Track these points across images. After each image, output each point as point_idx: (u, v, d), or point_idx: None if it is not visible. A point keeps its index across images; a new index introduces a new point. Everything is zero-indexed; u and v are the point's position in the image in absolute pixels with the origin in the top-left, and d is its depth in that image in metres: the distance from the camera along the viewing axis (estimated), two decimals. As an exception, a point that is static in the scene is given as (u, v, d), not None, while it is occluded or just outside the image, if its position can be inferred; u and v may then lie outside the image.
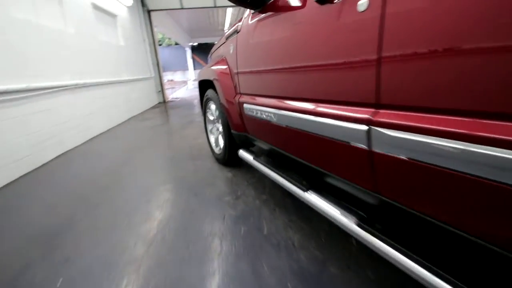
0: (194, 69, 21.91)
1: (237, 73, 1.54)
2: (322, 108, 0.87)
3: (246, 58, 1.42)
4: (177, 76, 22.20)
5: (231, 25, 1.74)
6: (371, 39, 0.66)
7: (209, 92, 2.09)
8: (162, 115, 5.34)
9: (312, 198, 0.99)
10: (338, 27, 0.77)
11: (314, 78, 0.90)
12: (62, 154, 2.90)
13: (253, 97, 1.39)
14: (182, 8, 6.70)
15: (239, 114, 1.61)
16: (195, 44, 21.30)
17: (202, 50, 21.85)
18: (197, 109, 5.75)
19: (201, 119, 4.37)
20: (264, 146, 1.47)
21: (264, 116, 1.25)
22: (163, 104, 7.08)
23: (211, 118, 2.24)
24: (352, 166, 0.81)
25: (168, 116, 5.12)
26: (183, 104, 6.72)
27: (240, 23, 1.49)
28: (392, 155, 0.65)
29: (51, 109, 2.82)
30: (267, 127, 1.28)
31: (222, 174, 2.00)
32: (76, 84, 3.27)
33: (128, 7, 5.57)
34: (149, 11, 6.67)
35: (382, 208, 0.79)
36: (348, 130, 0.75)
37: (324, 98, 0.87)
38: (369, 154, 0.71)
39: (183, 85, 15.11)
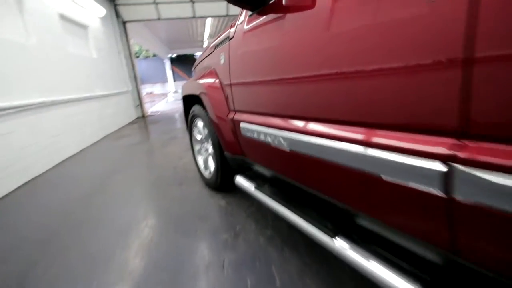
0: (174, 81, 21.43)
1: (231, 86, 1.31)
2: (367, 136, 0.63)
3: (244, 68, 1.18)
4: (157, 89, 21.58)
5: (214, 36, 1.50)
6: (451, 34, 0.45)
7: (196, 109, 1.84)
8: (142, 131, 4.97)
9: (347, 251, 0.74)
10: (386, 21, 0.56)
11: (353, 91, 0.66)
12: (28, 182, 2.50)
13: (254, 115, 1.15)
14: (159, 19, 6.42)
15: (234, 135, 1.37)
16: (174, 55, 20.90)
17: (181, 62, 21.48)
18: (179, 123, 5.43)
19: (184, 135, 4.07)
20: (267, 173, 1.24)
21: (270, 139, 1.02)
22: (142, 119, 6.67)
23: (199, 137, 1.98)
24: (416, 216, 0.59)
25: (148, 133, 4.77)
26: (164, 118, 6.37)
27: (233, 29, 1.26)
28: (488, 208, 0.43)
29: (13, 132, 2.44)
30: (274, 154, 1.04)
31: (214, 202, 1.73)
32: (42, 102, 2.89)
33: (101, 18, 5.22)
34: (124, 22, 6.34)
35: (453, 270, 0.57)
36: (412, 168, 0.53)
37: (369, 121, 0.63)
38: (447, 203, 0.50)
39: (163, 97, 14.64)
